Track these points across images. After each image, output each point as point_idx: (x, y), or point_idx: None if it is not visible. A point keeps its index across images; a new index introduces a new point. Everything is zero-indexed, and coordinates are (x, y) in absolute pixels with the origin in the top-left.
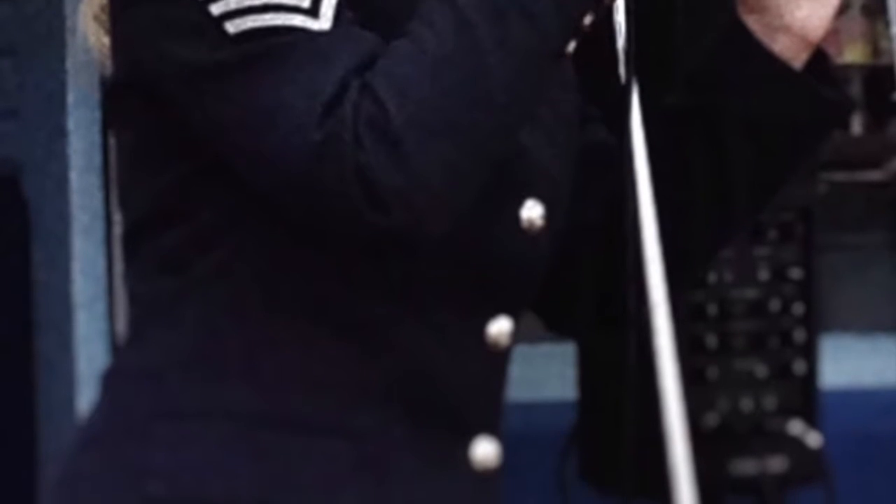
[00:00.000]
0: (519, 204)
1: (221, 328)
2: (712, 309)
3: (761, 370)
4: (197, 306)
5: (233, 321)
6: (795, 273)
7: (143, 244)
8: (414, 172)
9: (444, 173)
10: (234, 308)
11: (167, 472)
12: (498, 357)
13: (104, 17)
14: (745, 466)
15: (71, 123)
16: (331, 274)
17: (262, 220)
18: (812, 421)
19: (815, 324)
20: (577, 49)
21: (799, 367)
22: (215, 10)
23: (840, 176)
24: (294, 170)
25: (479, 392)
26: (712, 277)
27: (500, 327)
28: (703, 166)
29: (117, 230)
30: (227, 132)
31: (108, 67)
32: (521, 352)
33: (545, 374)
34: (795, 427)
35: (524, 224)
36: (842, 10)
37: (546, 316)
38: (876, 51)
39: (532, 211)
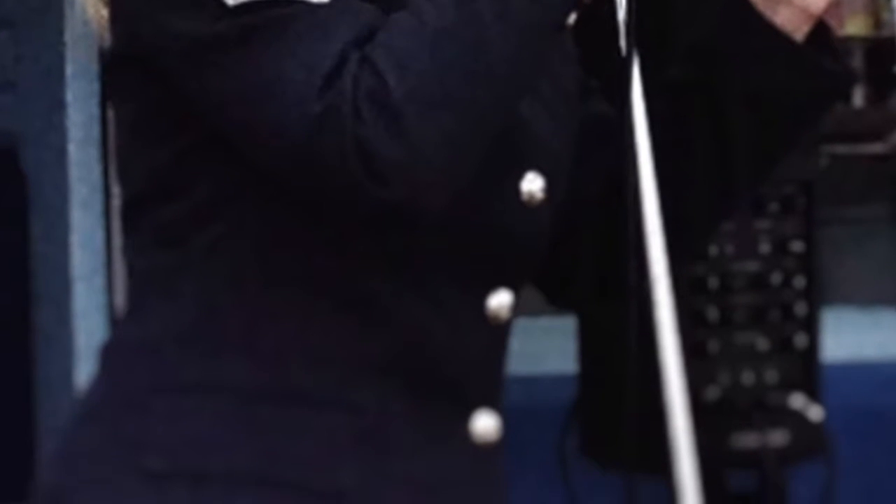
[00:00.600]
0: (519, 177)
1: (220, 302)
2: (713, 282)
3: (762, 344)
4: (196, 280)
5: (231, 295)
6: (797, 246)
7: (141, 217)
8: (413, 145)
9: (444, 146)
10: (232, 282)
11: (166, 445)
12: (498, 330)
13: None
14: (746, 440)
15: (69, 95)
16: (330, 248)
17: (261, 194)
18: (813, 394)
19: (817, 297)
20: (577, 21)
21: (800, 340)
22: None
23: (841, 149)
24: (293, 142)
25: (479, 365)
26: (713, 250)
27: (500, 300)
28: (704, 139)
29: (116, 203)
30: (226, 105)
31: (107, 39)
32: (521, 325)
33: (545, 348)
34: (797, 401)
35: (524, 197)
36: None
37: (546, 289)
38: (877, 23)
39: (532, 184)
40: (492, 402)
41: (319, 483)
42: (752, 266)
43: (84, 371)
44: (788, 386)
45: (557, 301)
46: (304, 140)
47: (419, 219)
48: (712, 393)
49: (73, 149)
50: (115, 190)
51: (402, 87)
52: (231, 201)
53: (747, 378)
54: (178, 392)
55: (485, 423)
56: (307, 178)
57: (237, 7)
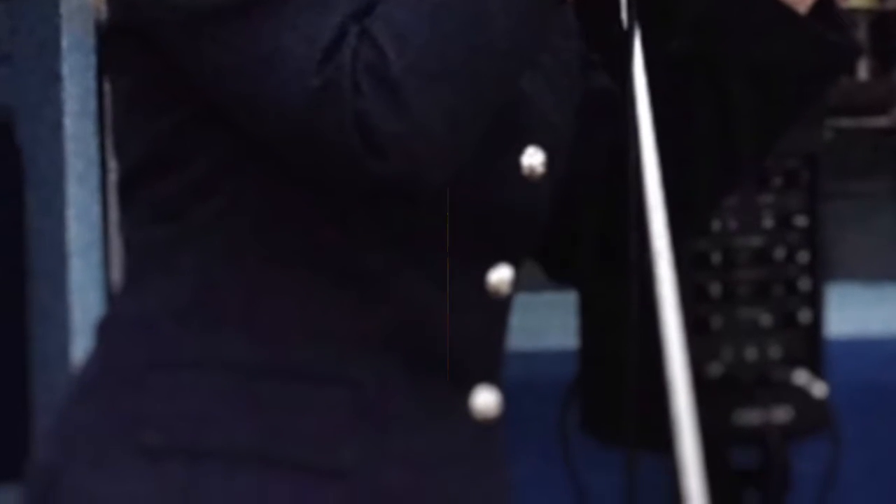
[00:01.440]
0: (520, 151)
1: (219, 277)
2: (716, 257)
3: (766, 319)
4: (194, 255)
5: (230, 270)
6: (800, 221)
7: (138, 191)
8: (413, 119)
9: (444, 120)
10: (231, 256)
11: (163, 422)
12: (499, 305)
13: None
14: (749, 417)
15: (65, 68)
16: (329, 222)
17: (260, 168)
18: (817, 370)
19: (821, 272)
20: None
21: (804, 316)
22: None
23: (846, 122)
24: (292, 116)
25: (479, 341)
26: (716, 225)
27: (500, 275)
28: (707, 113)
29: (113, 177)
30: (225, 78)
31: (103, 11)
32: (522, 300)
33: (546, 323)
34: (800, 377)
35: (525, 171)
36: None
37: (547, 264)
38: None
39: (533, 158)
40: (492, 378)
41: (320, 460)
42: (755, 241)
43: (80, 347)
44: (792, 362)
45: (558, 276)
46: (303, 114)
47: (419, 194)
48: (715, 369)
49: (68, 122)
50: (112, 164)
51: (401, 61)
52: (230, 175)
53: (750, 354)
54: (176, 368)
55: (485, 399)
56: (306, 152)
57: None
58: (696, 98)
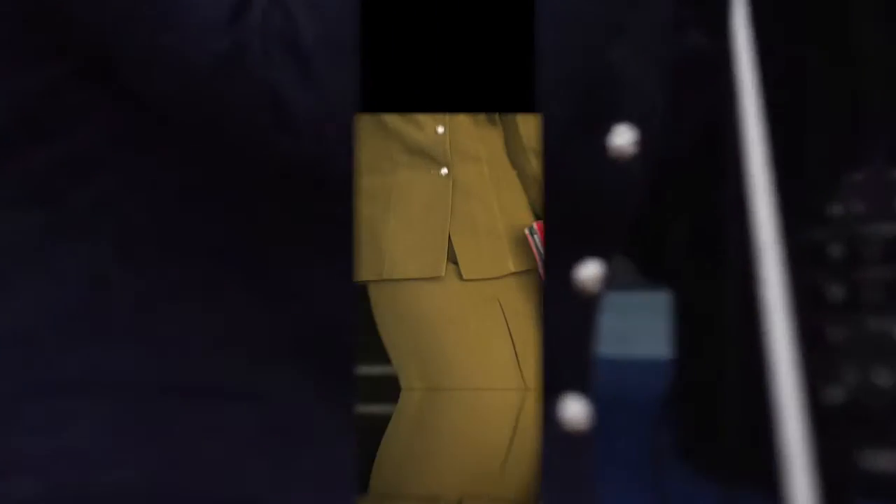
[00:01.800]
0: (606, 130)
1: (107, 276)
2: (836, 251)
3: None
4: (76, 248)
5: (120, 267)
6: None
7: (3, 165)
8: (325, 95)
9: (357, 99)
10: (121, 250)
11: (39, 463)
12: (587, 305)
13: None
14: (881, 460)
15: None
16: (235, 209)
17: (156, 143)
18: None
19: None
20: None
21: None
22: None
23: None
24: (193, 80)
25: (566, 344)
26: (837, 209)
27: (589, 271)
28: (825, 66)
29: None
30: (115, 32)
31: None
32: (612, 300)
33: (638, 327)
34: None
35: (613, 153)
36: None
37: (640, 259)
38: None
39: (622, 137)
40: (582, 386)
41: (227, 491)
42: (888, 229)
43: None
44: None
45: (653, 274)
46: (206, 79)
47: (328, 179)
48: (835, 394)
49: None
50: None
51: (312, 29)
52: (118, 150)
53: (882, 377)
54: (55, 394)
55: (574, 409)
56: (210, 125)
57: None
58: (810, 48)
